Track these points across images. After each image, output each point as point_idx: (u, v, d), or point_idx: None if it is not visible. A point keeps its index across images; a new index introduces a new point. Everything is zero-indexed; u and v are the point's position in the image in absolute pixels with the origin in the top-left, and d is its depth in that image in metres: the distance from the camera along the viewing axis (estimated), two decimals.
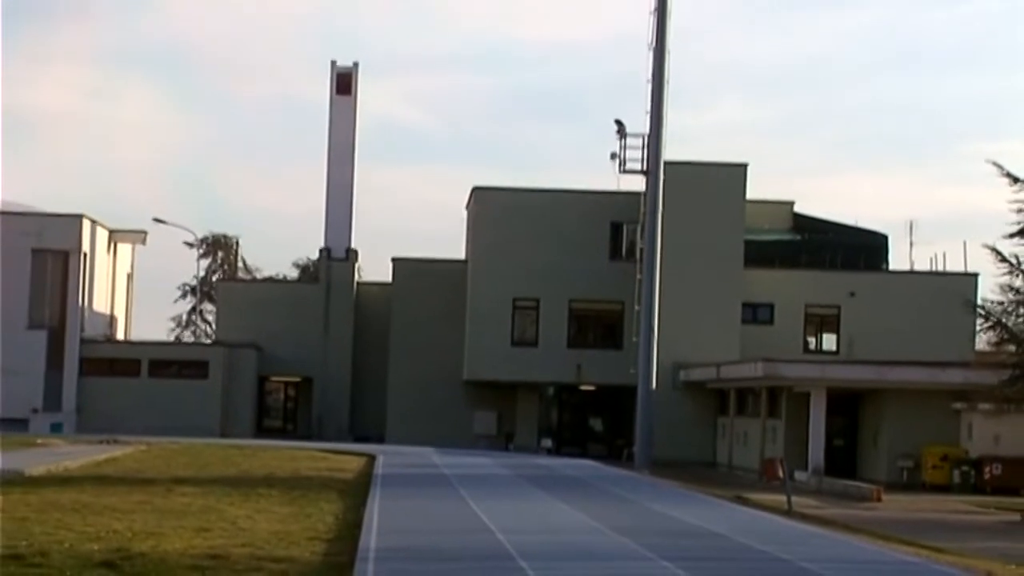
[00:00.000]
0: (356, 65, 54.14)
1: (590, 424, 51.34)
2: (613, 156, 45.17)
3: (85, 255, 50.86)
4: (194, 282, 70.97)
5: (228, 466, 31.34)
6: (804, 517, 24.17)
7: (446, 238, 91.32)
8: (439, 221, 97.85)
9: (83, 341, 50.61)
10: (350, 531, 18.18)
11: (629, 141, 44.75)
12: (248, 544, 16.25)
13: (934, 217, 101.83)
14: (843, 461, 39.12)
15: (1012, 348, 30.50)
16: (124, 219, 60.14)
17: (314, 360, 52.80)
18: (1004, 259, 29.57)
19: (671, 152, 43.42)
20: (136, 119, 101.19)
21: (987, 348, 37.26)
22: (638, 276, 43.39)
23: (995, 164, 29.28)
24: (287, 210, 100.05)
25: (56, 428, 48.08)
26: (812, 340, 49.20)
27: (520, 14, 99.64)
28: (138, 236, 56.14)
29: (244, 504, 21.64)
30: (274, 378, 55.40)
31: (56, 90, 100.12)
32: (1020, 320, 30.17)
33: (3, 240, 49.32)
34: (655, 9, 42.11)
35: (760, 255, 48.53)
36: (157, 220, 59.77)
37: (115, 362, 51.04)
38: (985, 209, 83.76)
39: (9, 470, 26.11)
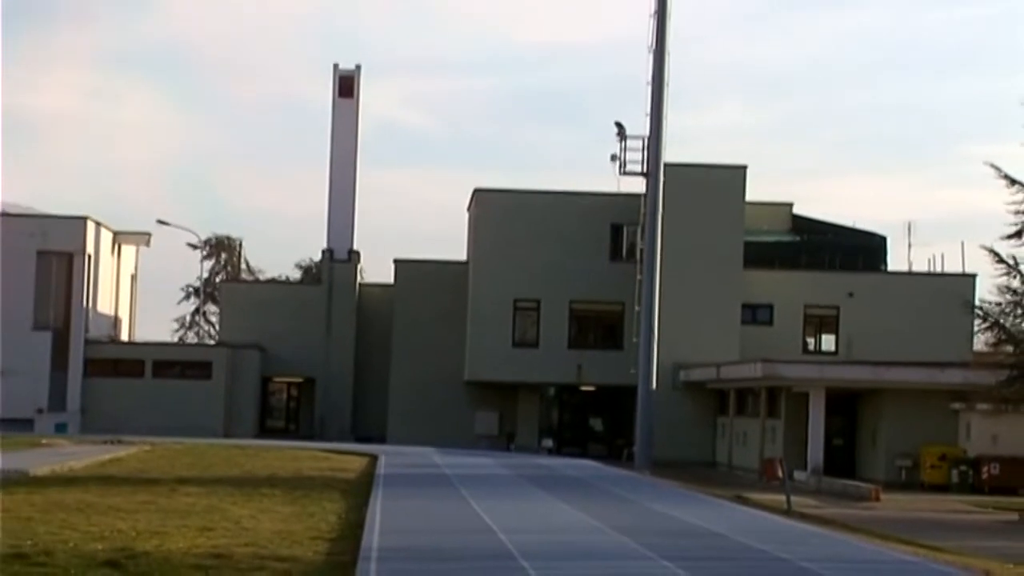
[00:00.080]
0: (358, 68, 54.30)
1: (591, 424, 51.40)
2: (613, 158, 45.34)
3: (89, 257, 51.00)
4: (197, 283, 71.13)
5: (231, 466, 31.42)
6: (803, 516, 24.25)
7: (447, 240, 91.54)
8: (440, 223, 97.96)
9: (87, 342, 50.77)
10: (352, 531, 18.21)
11: (629, 143, 44.90)
12: (251, 544, 16.31)
13: (933, 218, 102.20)
14: (842, 461, 39.19)
15: (1010, 348, 30.58)
16: (127, 221, 60.55)
17: (316, 361, 52.94)
18: (1002, 260, 29.64)
19: (671, 154, 43.54)
20: (139, 121, 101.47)
21: (985, 348, 37.21)
22: (638, 277, 43.44)
23: (993, 166, 29.41)
24: (290, 212, 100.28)
25: (61, 428, 48.24)
26: (811, 341, 49.28)
27: (521, 17, 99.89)
28: (142, 238, 56.29)
29: (247, 504, 21.71)
30: (277, 379, 55.58)
31: (59, 92, 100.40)
32: (1018, 321, 30.20)
33: (8, 242, 49.46)
34: (655, 12, 42.14)
35: (759, 256, 48.62)
36: (161, 222, 59.98)
37: (119, 363, 51.19)
38: (983, 210, 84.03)
39: (14, 470, 26.25)
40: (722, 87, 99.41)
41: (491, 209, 50.06)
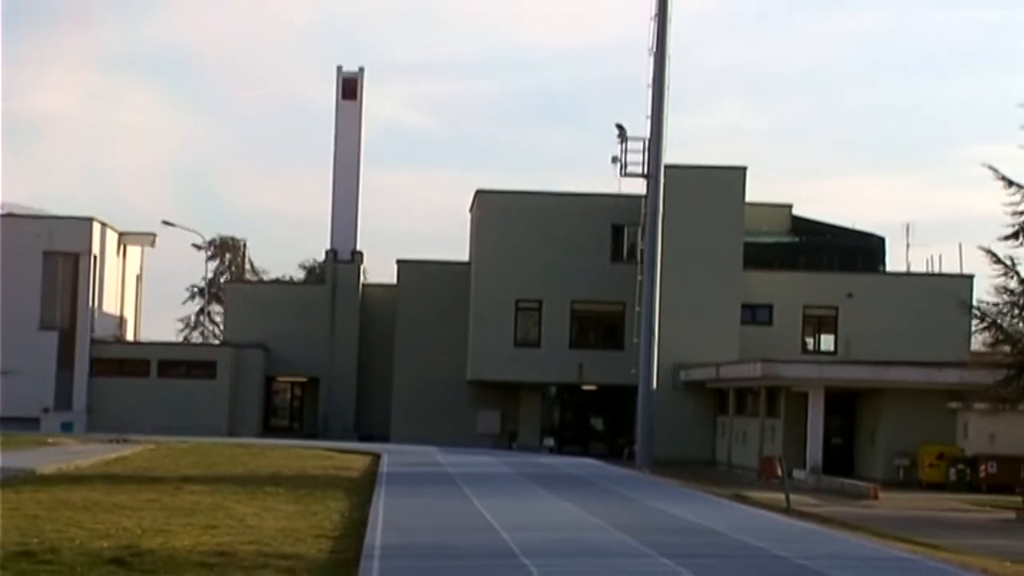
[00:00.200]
0: (361, 70, 54.47)
1: (592, 423, 51.51)
2: (614, 159, 45.53)
3: (95, 257, 51.15)
4: (202, 284, 71.29)
5: (236, 465, 31.46)
6: (802, 515, 24.25)
7: (450, 240, 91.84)
8: (443, 223, 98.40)
9: (93, 342, 50.98)
10: (356, 529, 18.27)
11: (630, 145, 45.06)
12: (255, 541, 16.35)
13: (931, 219, 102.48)
14: (841, 460, 39.26)
15: (1007, 348, 30.62)
16: (132, 222, 60.61)
17: (320, 360, 53.15)
18: (999, 261, 29.73)
19: (671, 155, 43.69)
20: (143, 122, 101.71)
21: (982, 348, 37.21)
22: (639, 278, 43.58)
23: (991, 168, 29.51)
24: (293, 213, 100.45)
25: (67, 427, 48.40)
26: (810, 341, 49.37)
27: (523, 19, 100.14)
28: (147, 238, 56.40)
29: (251, 502, 21.72)
30: (281, 378, 55.85)
31: (63, 93, 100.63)
32: (1015, 321, 30.23)
33: (15, 242, 49.64)
34: (655, 14, 42.29)
35: (759, 257, 48.72)
36: (166, 223, 60.14)
37: (125, 362, 51.39)
38: (981, 212, 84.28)
39: (21, 468, 26.38)
40: (722, 89, 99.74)
41: (493, 210, 50.20)
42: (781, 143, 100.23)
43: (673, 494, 27.60)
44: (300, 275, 71.48)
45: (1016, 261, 29.94)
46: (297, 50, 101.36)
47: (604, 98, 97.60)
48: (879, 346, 46.04)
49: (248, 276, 70.85)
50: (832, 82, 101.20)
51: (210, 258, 70.76)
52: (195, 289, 73.28)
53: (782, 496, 26.52)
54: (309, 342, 53.01)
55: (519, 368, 49.32)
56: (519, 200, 50.12)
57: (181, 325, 74.86)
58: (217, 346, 58.28)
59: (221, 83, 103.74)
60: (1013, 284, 29.90)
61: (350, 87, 54.03)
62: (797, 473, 35.72)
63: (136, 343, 55.98)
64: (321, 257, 58.45)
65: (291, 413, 57.42)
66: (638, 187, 45.15)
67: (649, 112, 42.78)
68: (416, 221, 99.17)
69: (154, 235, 56.96)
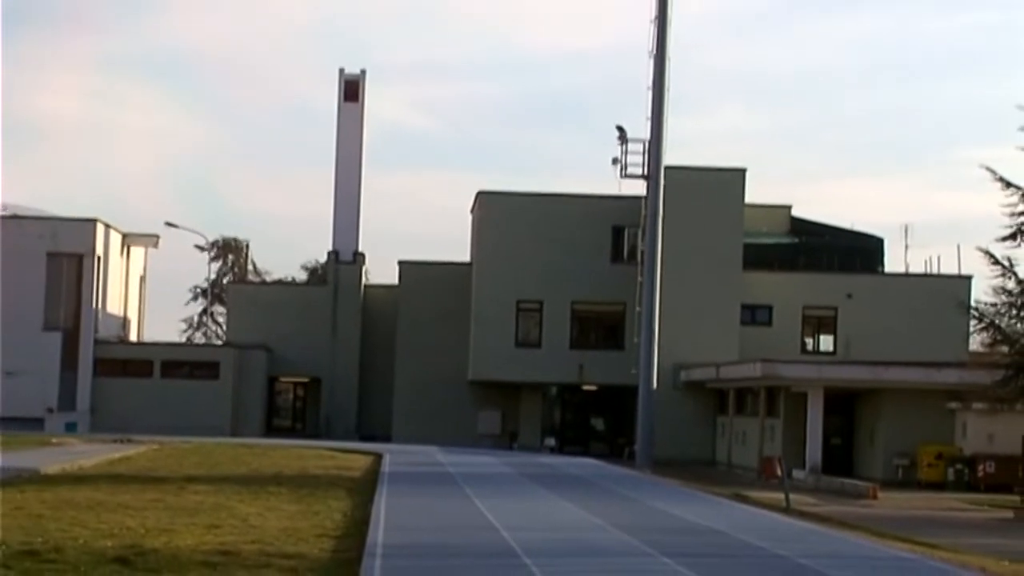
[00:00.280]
0: (363, 72, 54.57)
1: (592, 423, 51.65)
2: (615, 161, 45.67)
3: (99, 258, 51.30)
4: (205, 285, 71.50)
5: (238, 465, 31.52)
6: (802, 514, 24.30)
7: (451, 241, 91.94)
8: (444, 225, 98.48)
9: (97, 342, 51.10)
10: (358, 528, 18.33)
11: (630, 146, 45.16)
12: (258, 541, 16.39)
13: (929, 221, 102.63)
14: (840, 459, 39.37)
15: (1005, 349, 30.64)
16: (135, 223, 60.71)
17: (322, 361, 53.30)
18: (997, 262, 29.75)
19: (671, 157, 43.88)
20: (145, 124, 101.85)
21: (981, 349, 37.28)
22: (639, 278, 43.73)
23: (989, 169, 29.49)
24: (296, 214, 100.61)
25: (71, 427, 48.53)
26: (810, 341, 49.53)
27: (524, 22, 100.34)
28: (151, 240, 56.53)
29: (254, 502, 21.74)
30: (283, 379, 55.96)
31: (66, 95, 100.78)
32: (1013, 321, 30.21)
33: (19, 243, 49.79)
34: (656, 17, 42.46)
35: (759, 258, 48.86)
36: (169, 224, 60.33)
37: (128, 363, 51.52)
38: (979, 213, 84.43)
39: (25, 468, 26.49)
40: (722, 91, 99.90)
41: (494, 211, 50.36)
42: (781, 145, 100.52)
43: (673, 494, 27.67)
44: (302, 276, 71.56)
45: (1014, 262, 30.00)
46: (299, 52, 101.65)
47: (605, 100, 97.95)
48: (878, 346, 46.18)
49: (251, 277, 70.87)
50: (832, 84, 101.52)
51: (213, 259, 70.95)
52: (198, 290, 73.39)
53: (782, 496, 26.59)
54: (311, 343, 53.15)
55: (520, 368, 49.48)
56: (520, 201, 50.26)
57: (184, 326, 74.94)
58: (220, 347, 58.40)
59: (222, 84, 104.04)
60: (1011, 285, 29.89)
61: (352, 89, 54.16)
62: (797, 473, 35.78)
63: (139, 344, 56.10)
64: (323, 258, 58.59)
65: (293, 413, 57.57)
66: (638, 188, 45.32)
67: (649, 114, 42.99)
68: (417, 222, 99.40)
69: (157, 236, 57.14)
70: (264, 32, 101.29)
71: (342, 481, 27.50)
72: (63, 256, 50.72)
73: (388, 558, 15.21)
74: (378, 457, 36.31)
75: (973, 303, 34.22)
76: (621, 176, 45.61)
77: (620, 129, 45.32)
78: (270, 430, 53.08)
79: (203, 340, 71.81)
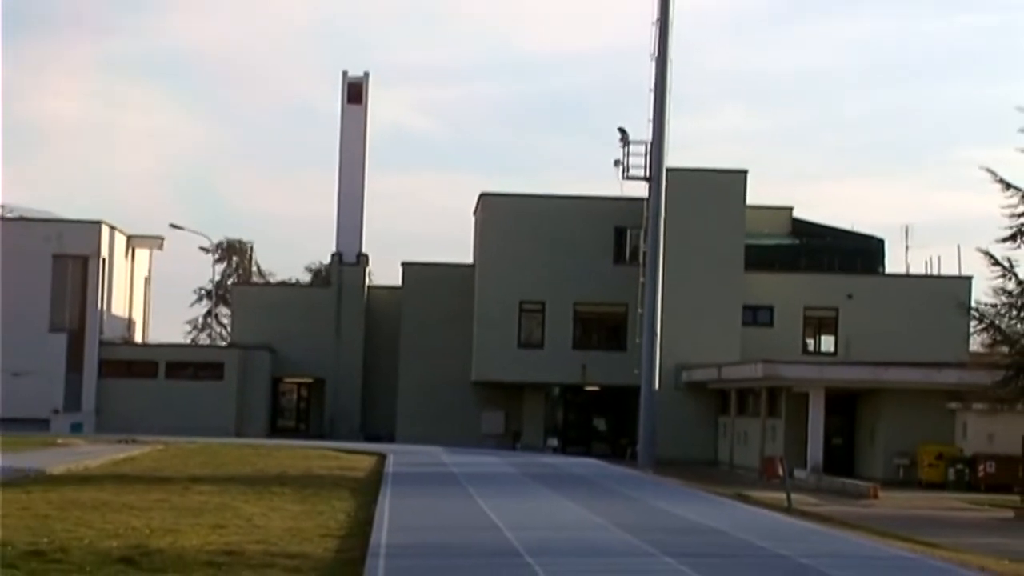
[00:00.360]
0: (367, 75, 54.66)
1: (595, 424, 51.74)
2: (617, 163, 45.94)
3: (104, 260, 51.43)
4: (209, 286, 71.74)
5: (243, 465, 31.56)
6: (803, 514, 24.30)
7: (454, 243, 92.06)
8: (447, 226, 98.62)
9: (102, 343, 51.24)
10: (361, 528, 18.37)
11: (632, 148, 45.47)
12: (262, 541, 16.42)
13: (930, 222, 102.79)
14: (841, 459, 39.45)
15: (1005, 349, 30.70)
16: (136, 225, 60.92)
17: (326, 362, 53.40)
18: (997, 263, 29.84)
19: (673, 159, 44.03)
20: (149, 126, 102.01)
21: (981, 349, 37.27)
22: (641, 279, 43.90)
23: (989, 170, 29.61)
24: (300, 216, 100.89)
25: (76, 428, 48.67)
26: (811, 342, 49.60)
27: (526, 25, 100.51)
28: (155, 241, 56.66)
29: (258, 502, 21.77)
30: (287, 379, 56.07)
31: (70, 97, 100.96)
32: (1013, 322, 30.24)
33: (25, 245, 49.96)
34: (657, 19, 42.64)
35: (760, 259, 48.95)
36: (174, 226, 60.45)
37: (133, 364, 51.67)
38: (979, 214, 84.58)
39: (31, 469, 26.60)
40: (723, 93, 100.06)
41: (497, 213, 50.48)
42: (782, 146, 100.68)
43: (675, 494, 27.72)
44: (306, 278, 71.80)
45: (1014, 263, 30.05)
46: (299, 52, 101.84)
47: (606, 102, 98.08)
48: (879, 347, 46.23)
49: (255, 279, 71.17)
50: (832, 85, 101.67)
51: (217, 261, 71.10)
52: (202, 291, 73.70)
53: (783, 496, 26.67)
54: (315, 344, 53.27)
55: (523, 369, 49.62)
56: (523, 203, 50.39)
57: (189, 327, 75.31)
58: (224, 348, 58.56)
59: (222, 85, 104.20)
60: (1011, 285, 29.93)
61: (355, 91, 54.29)
62: (798, 473, 35.87)
63: (144, 345, 56.25)
64: (327, 260, 58.70)
65: (297, 414, 57.72)
66: (640, 190, 45.52)
67: (651, 116, 43.14)
68: (421, 224, 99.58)
69: (162, 238, 57.29)
70: (264, 33, 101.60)
71: (346, 481, 27.56)
72: (68, 258, 50.89)
73: (392, 558, 15.26)
74: (382, 457, 36.35)
75: (973, 304, 34.29)
76: (623, 178, 45.97)
77: (622, 131, 45.58)
78: (274, 431, 53.15)
79: (207, 341, 72.11)
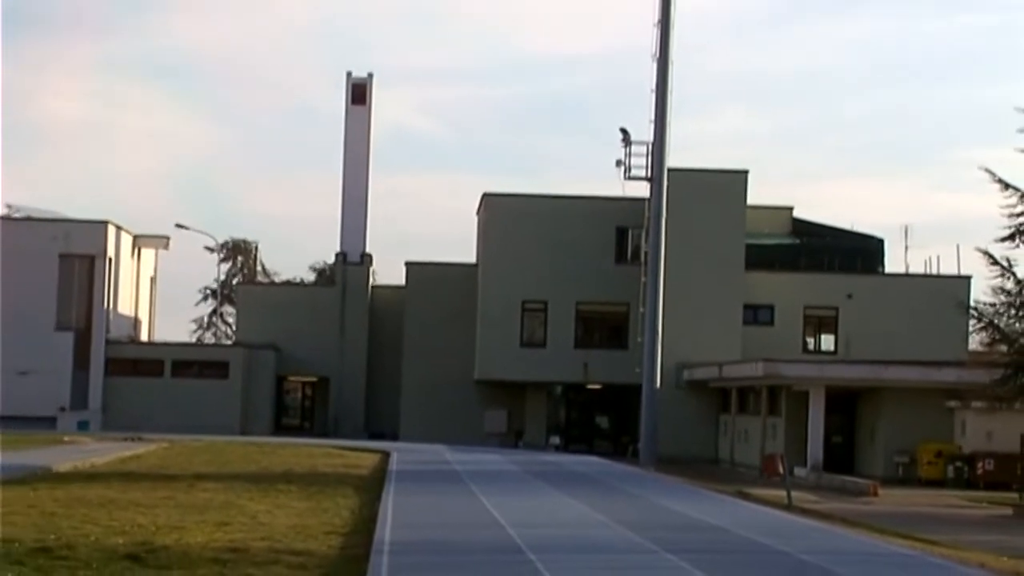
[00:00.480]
0: (371, 76, 54.84)
1: (597, 422, 51.89)
2: (618, 163, 46.13)
3: (110, 260, 51.65)
4: (215, 285, 71.84)
5: (248, 463, 31.69)
6: (803, 511, 24.40)
7: (457, 243, 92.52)
8: (450, 226, 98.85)
9: (108, 342, 51.50)
10: (365, 525, 18.46)
11: (634, 149, 45.66)
12: (267, 538, 16.51)
13: (929, 221, 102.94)
14: (841, 457, 39.49)
15: (1004, 348, 30.65)
16: (144, 226, 61.22)
17: (330, 360, 53.64)
18: (996, 262, 29.75)
19: (674, 159, 44.13)
20: (153, 128, 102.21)
21: (980, 348, 37.44)
22: (643, 279, 44.04)
23: (988, 171, 29.43)
24: (304, 216, 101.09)
25: (83, 426, 48.93)
26: (811, 340, 49.73)
27: (529, 26, 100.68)
28: (161, 241, 56.84)
29: (263, 499, 21.86)
30: (292, 378, 56.41)
31: (73, 99, 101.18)
32: (1012, 321, 30.12)
33: (32, 245, 50.24)
34: (659, 21, 42.78)
35: (760, 258, 49.06)
36: (179, 226, 60.56)
37: (139, 362, 51.93)
38: (978, 214, 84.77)
39: (38, 466, 26.81)
40: (725, 94, 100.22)
41: (499, 213, 50.64)
42: (782, 147, 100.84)
43: (677, 491, 27.82)
44: (310, 277, 72.01)
45: (1013, 262, 29.88)
46: (308, 56, 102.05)
47: (607, 102, 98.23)
48: (878, 346, 46.42)
49: (260, 278, 71.38)
50: (832, 86, 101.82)
51: (222, 260, 71.32)
52: (208, 291, 73.87)
53: (784, 493, 26.72)
54: (319, 343, 53.48)
55: (525, 368, 49.79)
56: (525, 203, 50.54)
57: (194, 326, 75.55)
58: (229, 346, 58.70)
59: (224, 86, 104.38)
60: (1010, 285, 29.79)
61: (359, 92, 54.51)
62: (798, 470, 35.89)
63: (150, 344, 56.50)
64: (331, 259, 58.97)
65: (302, 412, 58.00)
66: (642, 190, 45.67)
67: (652, 116, 43.27)
68: (424, 224, 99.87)
69: (168, 238, 57.40)
70: (264, 33, 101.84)
71: (350, 479, 27.68)
72: (75, 257, 51.13)
73: (395, 555, 15.34)
74: (386, 455, 36.43)
75: (972, 303, 34.17)
76: (625, 178, 46.16)
77: (624, 131, 45.75)
78: (279, 429, 53.42)
79: (213, 340, 72.21)
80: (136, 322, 56.28)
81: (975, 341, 40.34)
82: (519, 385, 50.60)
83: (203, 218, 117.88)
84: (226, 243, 71.79)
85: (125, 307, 54.49)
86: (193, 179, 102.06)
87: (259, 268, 73.74)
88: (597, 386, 50.95)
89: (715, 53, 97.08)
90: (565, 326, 49.96)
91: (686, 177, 46.22)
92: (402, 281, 53.78)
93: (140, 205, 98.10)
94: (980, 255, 30.07)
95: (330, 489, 24.63)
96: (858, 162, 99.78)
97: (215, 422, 49.39)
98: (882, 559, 17.15)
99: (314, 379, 55.57)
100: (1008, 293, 30.00)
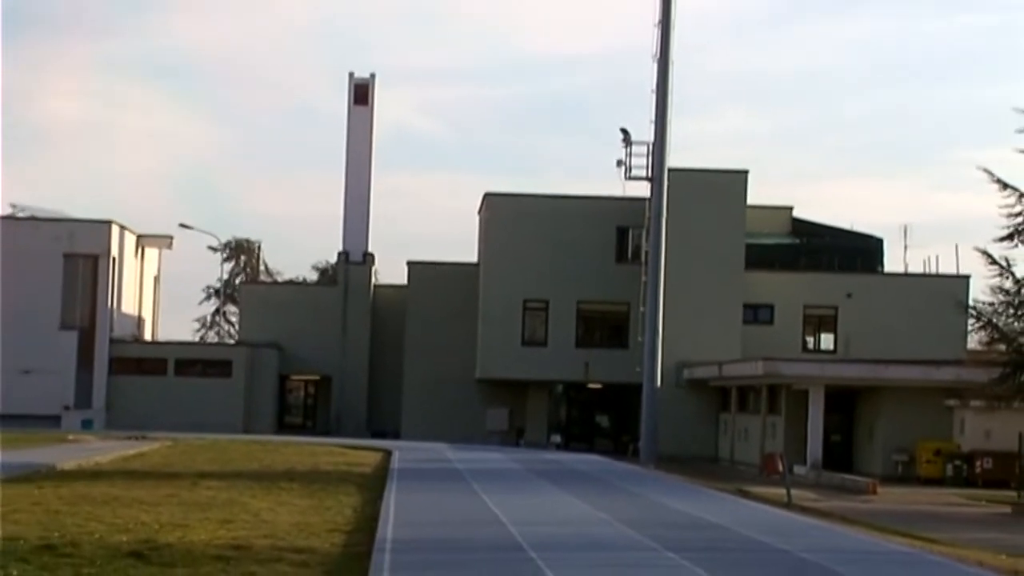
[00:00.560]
0: (373, 76, 54.98)
1: (597, 420, 52.05)
2: (619, 163, 46.32)
3: (114, 259, 51.84)
4: (218, 285, 72.05)
5: (251, 461, 31.76)
6: (803, 509, 24.53)
7: (459, 242, 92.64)
8: (452, 226, 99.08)
9: (112, 341, 51.67)
10: (368, 523, 18.51)
11: (634, 149, 45.84)
12: (270, 535, 16.58)
13: (928, 221, 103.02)
14: (840, 456, 39.61)
15: (1002, 347, 30.81)
16: (147, 225, 61.43)
17: (333, 359, 53.80)
18: (994, 262, 29.91)
19: (675, 159, 44.21)
20: (156, 128, 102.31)
21: (978, 347, 37.58)
22: (643, 278, 44.08)
23: (986, 171, 29.60)
24: (306, 215, 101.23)
25: (87, 425, 49.11)
26: (810, 340, 49.85)
27: (530, 27, 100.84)
28: (164, 241, 57.00)
29: (266, 497, 21.92)
30: (294, 377, 56.57)
31: (76, 99, 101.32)
32: (1010, 320, 30.28)
33: (36, 244, 50.46)
34: (659, 21, 42.88)
35: (760, 258, 49.18)
36: (183, 226, 60.80)
37: (143, 361, 52.14)
38: (977, 214, 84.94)
39: (42, 464, 26.94)
40: (725, 94, 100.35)
41: (501, 212, 50.76)
42: (782, 147, 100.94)
43: (677, 489, 27.87)
44: (313, 276, 72.07)
45: (1011, 262, 30.03)
46: (311, 57, 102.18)
47: (607, 102, 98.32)
48: (878, 345, 46.53)
49: (262, 277, 71.46)
50: (832, 86, 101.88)
51: (225, 260, 71.46)
52: (211, 290, 73.97)
53: (783, 491, 26.80)
54: (322, 342, 53.62)
55: (526, 367, 49.92)
56: (526, 203, 50.65)
57: (197, 325, 75.52)
58: (232, 345, 58.99)
59: (224, 86, 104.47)
60: (1008, 284, 29.93)
61: (362, 93, 54.65)
62: (798, 469, 35.91)
63: (154, 343, 56.64)
64: (333, 259, 59.07)
65: (304, 410, 58.18)
66: (642, 190, 45.81)
67: (653, 117, 43.35)
68: (426, 223, 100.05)
69: (171, 237, 57.58)
70: (265, 33, 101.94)
71: (352, 477, 27.76)
72: (79, 257, 51.32)
73: (397, 552, 15.41)
74: (388, 454, 36.49)
75: (971, 302, 34.38)
76: (625, 178, 46.36)
77: (624, 132, 45.93)
78: (281, 427, 53.57)
79: (216, 339, 72.35)
80: (140, 321, 56.42)
81: (974, 340, 40.48)
82: (520, 384, 50.73)
83: (204, 218, 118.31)
84: (229, 243, 71.91)
85: (129, 306, 54.64)
86: (194, 179, 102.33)
87: (262, 267, 73.86)
88: (598, 385, 51.08)
89: (715, 53, 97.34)
90: (566, 325, 50.07)
91: (686, 177, 46.31)
92: (404, 280, 53.94)
93: (141, 205, 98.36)
94: (979, 255, 30.30)
95: (332, 487, 24.70)
96: (858, 162, 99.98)
97: (218, 420, 49.47)
98: (881, 557, 17.20)
99: (316, 378, 55.71)
100: (1007, 292, 30.13)
